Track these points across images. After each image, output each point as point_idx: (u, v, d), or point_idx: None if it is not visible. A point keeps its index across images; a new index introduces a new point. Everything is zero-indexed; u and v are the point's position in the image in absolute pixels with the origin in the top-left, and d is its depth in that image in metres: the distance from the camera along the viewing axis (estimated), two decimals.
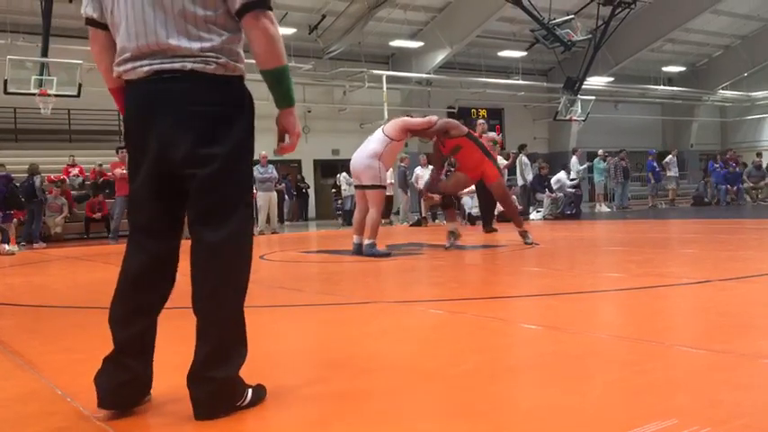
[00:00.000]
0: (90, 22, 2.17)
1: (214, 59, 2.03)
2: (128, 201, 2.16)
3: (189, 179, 2.03)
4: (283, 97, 2.12)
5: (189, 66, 2.01)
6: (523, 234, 7.97)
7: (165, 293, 2.13)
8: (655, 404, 1.95)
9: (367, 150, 7.30)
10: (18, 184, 12.46)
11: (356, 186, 7.57)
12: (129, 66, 2.06)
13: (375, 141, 7.34)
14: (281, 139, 2.17)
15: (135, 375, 2.06)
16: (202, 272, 2.02)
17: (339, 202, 18.27)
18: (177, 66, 2.01)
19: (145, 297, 2.08)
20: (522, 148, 16.20)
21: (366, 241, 7.14)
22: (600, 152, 18.76)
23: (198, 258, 2.03)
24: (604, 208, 18.08)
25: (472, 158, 7.72)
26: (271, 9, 2.03)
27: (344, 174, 17.06)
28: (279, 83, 2.09)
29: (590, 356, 2.64)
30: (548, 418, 1.89)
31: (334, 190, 17.95)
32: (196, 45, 2.01)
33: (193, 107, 2.01)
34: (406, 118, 7.71)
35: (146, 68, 2.03)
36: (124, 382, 2.04)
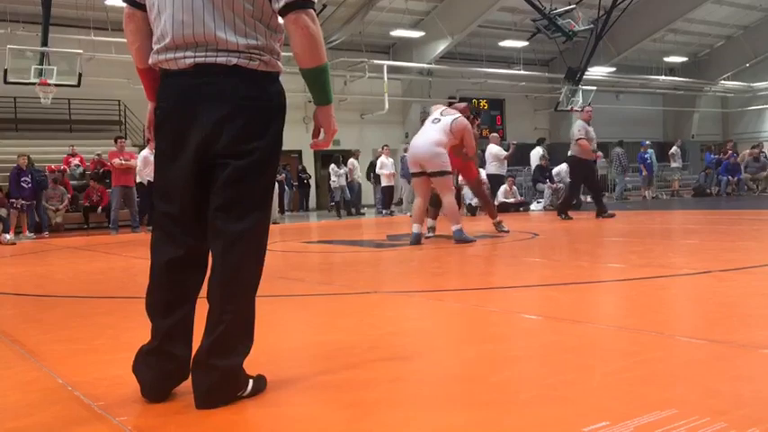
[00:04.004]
0: (129, 0, 2.16)
1: (258, 56, 2.04)
2: (156, 190, 2.15)
3: (221, 167, 2.04)
4: (322, 95, 2.13)
5: (234, 61, 2.01)
6: (497, 224, 8.35)
7: (200, 279, 2.14)
8: (654, 394, 1.95)
9: (433, 139, 7.27)
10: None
11: (415, 174, 7.48)
12: (171, 55, 2.04)
13: (440, 132, 7.30)
14: (316, 134, 2.21)
15: (180, 363, 2.06)
16: (220, 261, 2.03)
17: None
18: (222, 60, 2.01)
19: (182, 285, 2.09)
20: (540, 141, 17.06)
21: (453, 227, 7.29)
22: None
23: (217, 246, 2.04)
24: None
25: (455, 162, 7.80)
26: (314, 8, 2.03)
27: (333, 165, 17.23)
28: (318, 81, 2.10)
29: (590, 347, 2.65)
30: (548, 408, 1.90)
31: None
32: (242, 41, 2.01)
33: (238, 102, 2.01)
34: (471, 130, 7.64)
35: (188, 60, 2.02)
36: (169, 372, 2.06)
